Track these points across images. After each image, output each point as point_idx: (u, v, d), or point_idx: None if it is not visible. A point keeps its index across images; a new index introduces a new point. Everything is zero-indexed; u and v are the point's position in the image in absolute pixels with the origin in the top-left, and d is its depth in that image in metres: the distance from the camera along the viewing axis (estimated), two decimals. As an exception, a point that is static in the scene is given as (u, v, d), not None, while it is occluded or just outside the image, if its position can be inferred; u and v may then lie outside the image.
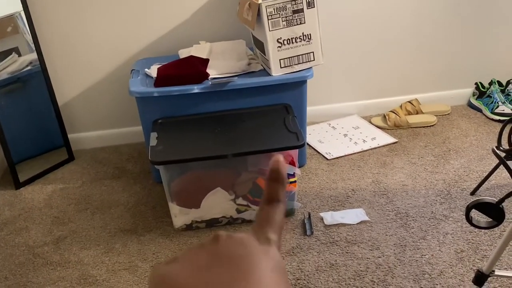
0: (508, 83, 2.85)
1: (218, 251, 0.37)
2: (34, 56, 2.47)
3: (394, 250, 1.93)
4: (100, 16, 2.51)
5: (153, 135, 2.08)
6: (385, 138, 2.67)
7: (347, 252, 1.94)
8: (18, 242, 2.14)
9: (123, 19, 2.53)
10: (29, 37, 2.44)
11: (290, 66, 2.19)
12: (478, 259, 1.86)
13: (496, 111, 2.77)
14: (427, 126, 2.76)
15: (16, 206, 2.37)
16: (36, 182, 2.53)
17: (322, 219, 2.12)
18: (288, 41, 2.15)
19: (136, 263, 1.97)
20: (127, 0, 2.49)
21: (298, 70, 2.21)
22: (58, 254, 2.05)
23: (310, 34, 2.16)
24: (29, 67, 2.46)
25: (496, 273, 1.50)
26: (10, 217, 2.29)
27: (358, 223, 2.08)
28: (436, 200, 2.19)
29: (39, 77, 2.51)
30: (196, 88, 2.15)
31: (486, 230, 1.99)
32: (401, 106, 2.83)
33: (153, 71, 2.29)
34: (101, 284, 1.88)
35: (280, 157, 0.46)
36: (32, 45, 2.46)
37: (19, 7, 2.38)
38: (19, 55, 2.42)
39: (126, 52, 2.60)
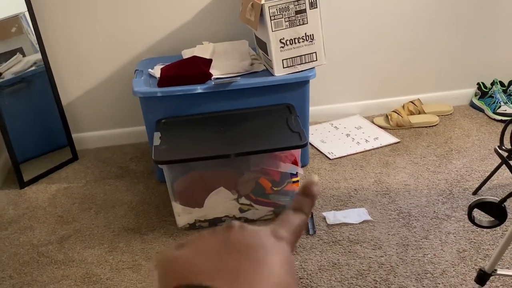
0: (510, 83, 2.85)
1: (230, 239, 0.38)
2: (38, 56, 2.48)
3: (396, 249, 1.94)
4: (104, 16, 2.52)
5: (157, 134, 2.09)
6: (388, 138, 2.67)
7: (349, 252, 1.95)
8: (23, 241, 2.15)
9: (127, 19, 2.54)
10: (33, 38, 2.46)
11: (292, 66, 2.20)
12: (480, 258, 1.87)
13: (498, 111, 2.78)
14: (430, 126, 2.77)
15: (20, 205, 2.38)
16: (40, 181, 2.55)
17: (324, 218, 2.13)
18: (291, 41, 2.16)
19: (139, 262, 1.98)
20: (131, 1, 2.50)
21: (300, 70, 2.22)
22: (62, 253, 2.06)
23: (312, 35, 2.17)
24: (33, 67, 2.48)
25: (498, 272, 1.51)
26: (14, 216, 2.31)
27: (360, 223, 2.09)
28: (438, 200, 2.19)
29: (43, 77, 2.52)
30: (199, 88, 2.17)
31: (488, 230, 2.00)
32: (403, 106, 2.84)
33: (156, 71, 2.30)
34: (105, 282, 1.90)
35: (316, 178, 0.47)
36: (36, 46, 2.47)
37: (23, 8, 2.39)
38: (24, 55, 2.44)
39: (129, 53, 2.62)
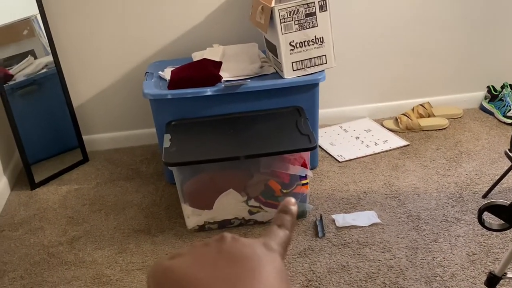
0: (520, 86, 2.84)
1: (224, 250, 0.38)
2: (49, 58, 2.50)
3: (405, 252, 1.94)
4: (115, 19, 2.54)
5: (167, 136, 2.10)
6: (397, 141, 2.67)
7: (358, 254, 1.95)
8: (34, 242, 2.17)
9: (138, 22, 2.55)
10: (45, 40, 2.48)
11: (302, 69, 2.21)
12: (490, 261, 1.86)
13: (508, 114, 2.77)
14: (439, 129, 2.76)
15: (31, 206, 2.40)
16: (51, 182, 2.57)
17: (333, 221, 2.13)
18: (301, 44, 2.16)
19: (149, 263, 1.99)
20: (141, 4, 2.52)
21: (310, 73, 2.23)
22: (72, 254, 2.08)
23: (322, 37, 2.18)
24: (44, 70, 2.50)
25: (508, 275, 1.50)
26: (25, 217, 2.32)
27: (369, 226, 2.09)
28: (448, 203, 2.19)
29: (54, 80, 2.54)
30: (209, 91, 2.18)
31: (498, 233, 1.99)
32: (413, 109, 2.83)
33: (166, 73, 2.31)
34: (114, 283, 1.91)
35: (293, 199, 0.48)
36: (48, 48, 2.49)
37: (35, 11, 2.42)
38: (35, 57, 2.46)
39: (140, 55, 2.63)
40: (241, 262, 0.37)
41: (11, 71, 2.38)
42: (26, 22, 2.42)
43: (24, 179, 2.56)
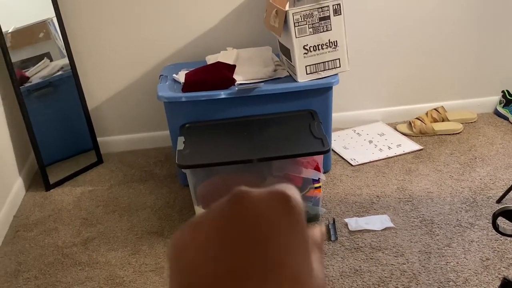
0: (536, 91, 2.82)
1: (236, 219, 0.36)
2: (65, 61, 2.53)
3: (418, 257, 1.93)
4: (130, 22, 2.56)
5: (180, 139, 2.11)
6: (411, 145, 2.66)
7: (371, 258, 1.94)
8: (48, 243, 2.19)
9: (152, 25, 2.57)
10: (60, 43, 2.50)
11: (316, 72, 2.21)
12: (503, 267, 1.85)
13: (524, 119, 2.75)
14: (453, 134, 2.75)
15: (46, 207, 2.42)
16: (66, 184, 2.59)
17: (346, 224, 2.13)
18: (315, 47, 2.17)
19: (162, 265, 2.00)
20: (156, 7, 2.53)
21: (324, 76, 2.23)
22: (86, 255, 2.09)
23: (336, 41, 2.18)
24: (60, 72, 2.52)
25: (522, 281, 1.49)
26: (40, 218, 2.35)
27: (382, 230, 2.09)
28: (462, 208, 2.18)
29: (70, 82, 2.56)
30: (223, 94, 2.18)
31: (512, 239, 1.98)
32: (426, 113, 2.82)
33: (181, 76, 2.32)
34: (128, 285, 1.92)
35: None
36: (64, 51, 2.51)
37: (51, 13, 2.44)
38: (51, 60, 2.48)
39: (154, 58, 2.65)
40: (253, 243, 0.34)
41: (27, 73, 2.41)
42: (42, 25, 2.45)
43: (39, 180, 2.58)
